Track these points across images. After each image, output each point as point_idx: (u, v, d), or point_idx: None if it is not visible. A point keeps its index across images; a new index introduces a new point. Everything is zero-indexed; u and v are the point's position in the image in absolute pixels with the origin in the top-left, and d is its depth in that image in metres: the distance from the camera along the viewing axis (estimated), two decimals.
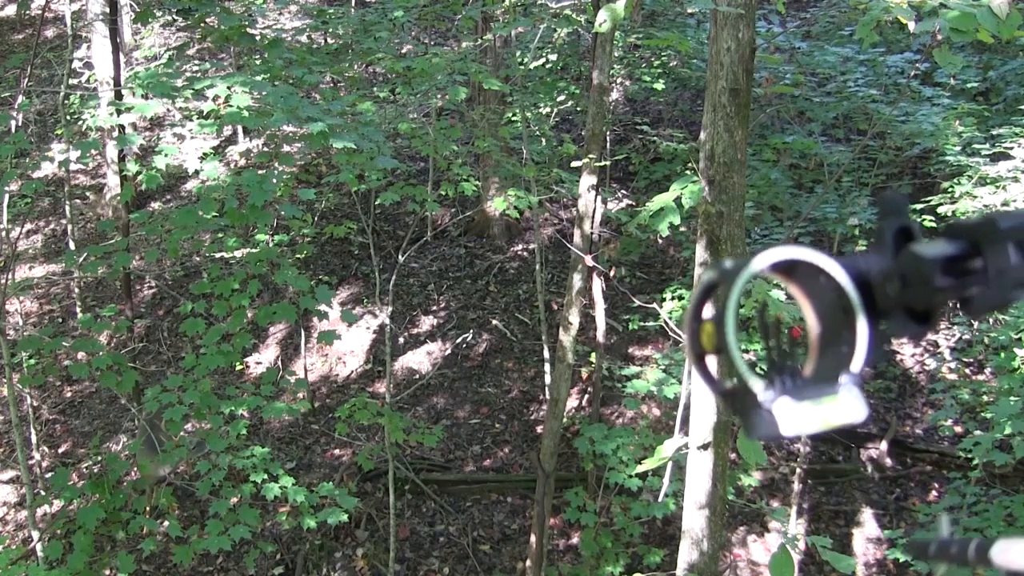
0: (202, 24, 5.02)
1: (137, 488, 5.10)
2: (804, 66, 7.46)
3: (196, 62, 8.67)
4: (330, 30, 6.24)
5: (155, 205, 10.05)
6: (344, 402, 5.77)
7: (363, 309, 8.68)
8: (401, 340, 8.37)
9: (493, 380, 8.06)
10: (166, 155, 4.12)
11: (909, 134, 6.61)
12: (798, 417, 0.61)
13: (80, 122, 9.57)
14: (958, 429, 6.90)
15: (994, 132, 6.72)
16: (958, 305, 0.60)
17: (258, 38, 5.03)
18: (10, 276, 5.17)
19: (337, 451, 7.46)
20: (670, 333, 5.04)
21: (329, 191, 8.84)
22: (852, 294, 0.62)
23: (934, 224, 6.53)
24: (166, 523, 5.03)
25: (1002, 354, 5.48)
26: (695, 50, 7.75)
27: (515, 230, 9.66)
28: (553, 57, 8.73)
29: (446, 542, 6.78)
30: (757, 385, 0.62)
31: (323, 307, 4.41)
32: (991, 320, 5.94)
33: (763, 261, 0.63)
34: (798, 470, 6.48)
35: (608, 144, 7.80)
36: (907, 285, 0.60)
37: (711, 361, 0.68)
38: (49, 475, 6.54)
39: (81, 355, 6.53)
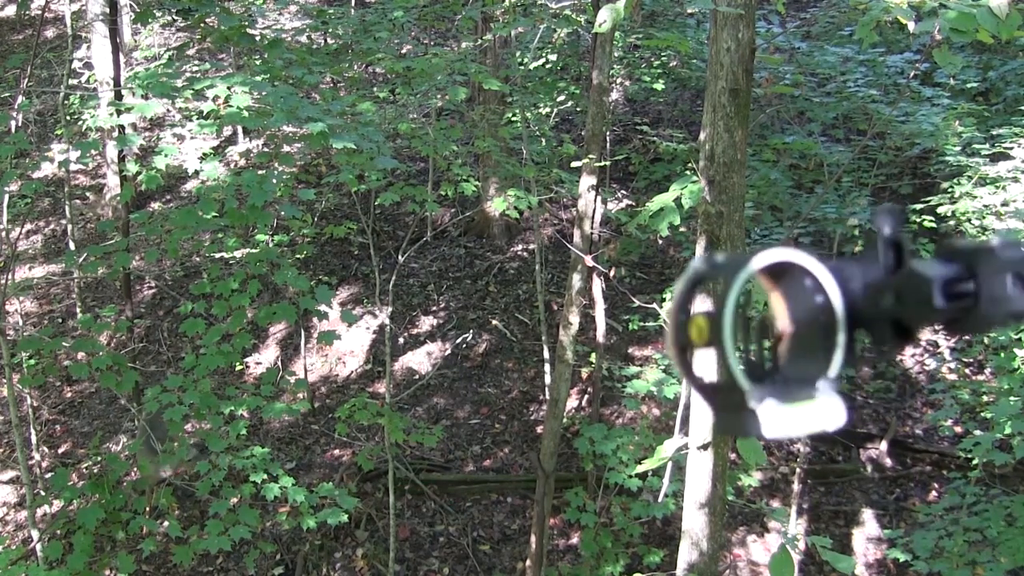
0: (202, 24, 5.03)
1: (137, 488, 5.11)
2: (804, 66, 7.46)
3: (196, 62, 8.67)
4: (330, 30, 6.24)
5: (155, 205, 10.05)
6: (344, 402, 5.77)
7: (363, 309, 8.68)
8: (401, 340, 8.37)
9: (493, 380, 8.06)
10: (166, 155, 4.12)
11: (909, 134, 6.62)
12: (780, 419, 0.61)
13: (80, 122, 9.57)
14: (958, 429, 6.89)
15: (994, 132, 6.73)
16: (942, 326, 0.60)
17: (258, 38, 5.03)
18: (10, 276, 5.17)
19: (337, 451, 7.45)
20: None
21: (329, 191, 8.84)
22: (837, 302, 0.61)
23: (934, 224, 6.53)
24: (166, 523, 5.03)
25: (1002, 354, 5.48)
26: (695, 50, 7.75)
27: (515, 230, 9.65)
28: (553, 57, 8.73)
29: (446, 542, 6.78)
30: (746, 385, 0.62)
31: (323, 307, 4.41)
32: None
33: (761, 261, 0.63)
34: (798, 470, 6.48)
35: (608, 144, 7.80)
36: (903, 301, 0.60)
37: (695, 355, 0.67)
38: (49, 475, 6.54)
39: (81, 355, 6.54)
